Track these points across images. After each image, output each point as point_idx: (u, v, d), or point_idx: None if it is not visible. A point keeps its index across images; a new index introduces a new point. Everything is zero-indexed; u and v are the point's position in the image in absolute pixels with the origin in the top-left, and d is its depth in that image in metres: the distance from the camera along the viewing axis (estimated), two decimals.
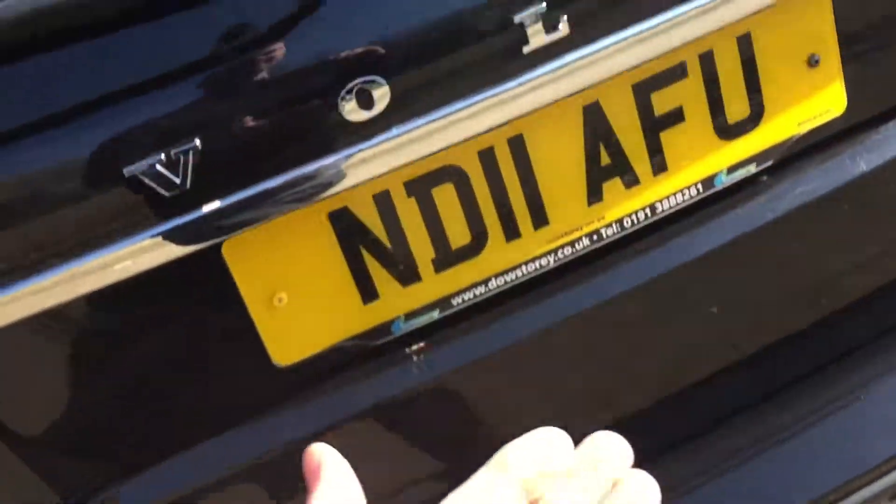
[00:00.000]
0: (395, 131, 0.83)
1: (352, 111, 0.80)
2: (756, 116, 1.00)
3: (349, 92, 0.79)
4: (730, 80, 0.97)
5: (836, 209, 1.06)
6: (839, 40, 0.99)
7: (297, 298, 0.91)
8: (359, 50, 0.79)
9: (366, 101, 0.79)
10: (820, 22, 0.98)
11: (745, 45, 0.97)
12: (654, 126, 0.97)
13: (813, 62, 1.00)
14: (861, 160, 1.05)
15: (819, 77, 1.01)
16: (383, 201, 0.91)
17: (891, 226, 1.10)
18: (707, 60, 0.96)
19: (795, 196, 1.04)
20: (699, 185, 1.01)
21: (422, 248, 0.94)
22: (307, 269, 0.91)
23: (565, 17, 0.82)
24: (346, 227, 0.90)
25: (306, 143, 0.81)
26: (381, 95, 0.80)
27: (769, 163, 1.03)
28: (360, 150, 0.82)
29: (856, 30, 1.00)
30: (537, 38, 0.82)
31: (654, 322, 1.04)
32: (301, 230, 0.89)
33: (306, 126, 0.81)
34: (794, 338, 1.10)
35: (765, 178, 1.04)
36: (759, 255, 1.05)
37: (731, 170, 1.02)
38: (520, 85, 0.84)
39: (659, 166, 0.99)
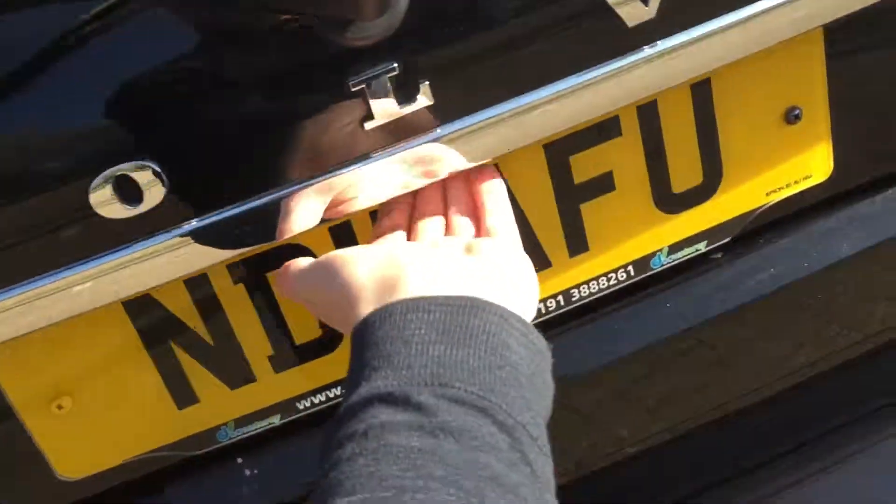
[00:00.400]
0: (185, 227, 0.61)
1: (103, 204, 0.57)
2: (710, 184, 0.77)
3: (105, 182, 0.57)
4: (678, 138, 0.74)
5: (808, 302, 0.83)
6: (830, 91, 0.75)
7: (84, 404, 0.71)
8: (114, 129, 0.56)
9: (131, 193, 0.57)
10: (806, 68, 0.74)
11: (703, 94, 0.73)
12: (573, 196, 0.74)
13: (792, 117, 0.76)
14: (844, 240, 0.82)
15: (799, 135, 0.77)
16: (199, 288, 0.69)
17: (872, 322, 0.86)
18: (649, 114, 0.72)
19: (755, 284, 0.81)
20: (630, 268, 0.78)
21: (255, 345, 0.73)
22: (97, 369, 0.70)
23: (427, 82, 0.58)
24: (150, 320, 0.69)
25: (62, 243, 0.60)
26: (150, 184, 0.57)
27: (724, 240, 0.80)
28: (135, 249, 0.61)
29: (853, 77, 0.75)
30: (384, 109, 0.58)
31: (561, 433, 0.83)
32: (88, 325, 0.68)
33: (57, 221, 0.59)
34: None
35: (719, 256, 0.81)
36: (701, 355, 0.83)
37: (674, 249, 0.79)
38: (365, 164, 0.62)
39: (577, 245, 0.76)
